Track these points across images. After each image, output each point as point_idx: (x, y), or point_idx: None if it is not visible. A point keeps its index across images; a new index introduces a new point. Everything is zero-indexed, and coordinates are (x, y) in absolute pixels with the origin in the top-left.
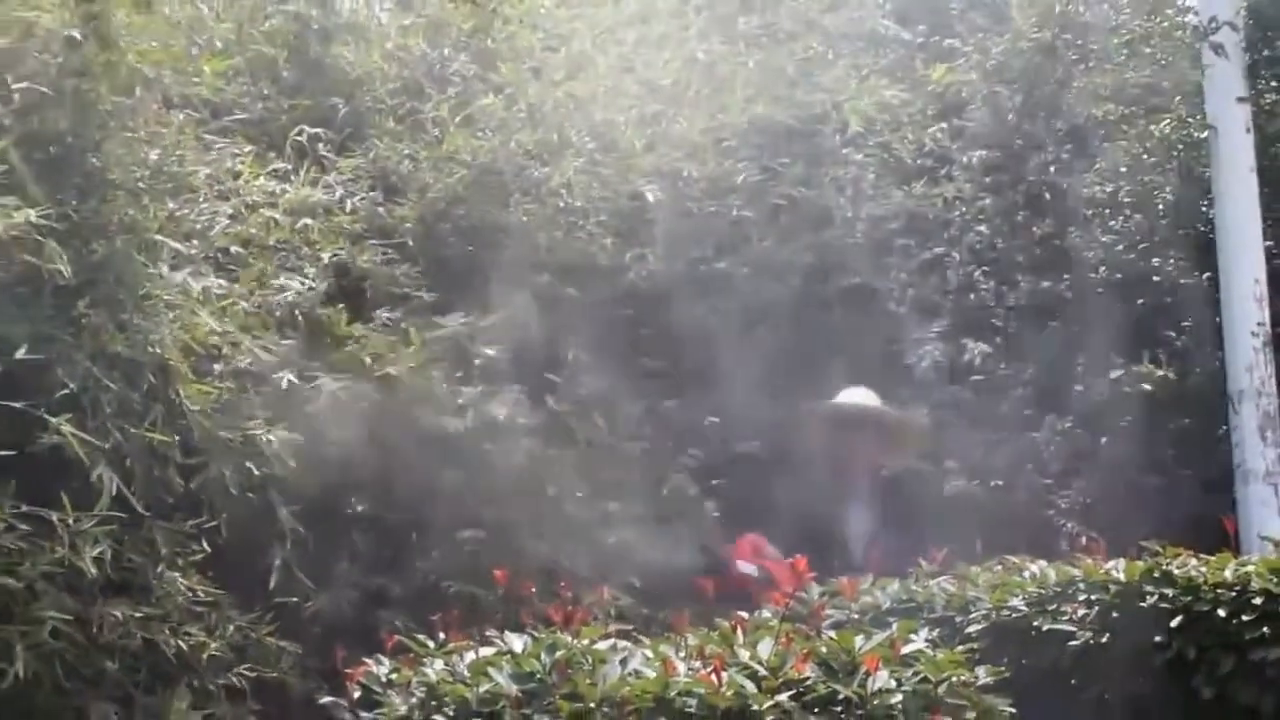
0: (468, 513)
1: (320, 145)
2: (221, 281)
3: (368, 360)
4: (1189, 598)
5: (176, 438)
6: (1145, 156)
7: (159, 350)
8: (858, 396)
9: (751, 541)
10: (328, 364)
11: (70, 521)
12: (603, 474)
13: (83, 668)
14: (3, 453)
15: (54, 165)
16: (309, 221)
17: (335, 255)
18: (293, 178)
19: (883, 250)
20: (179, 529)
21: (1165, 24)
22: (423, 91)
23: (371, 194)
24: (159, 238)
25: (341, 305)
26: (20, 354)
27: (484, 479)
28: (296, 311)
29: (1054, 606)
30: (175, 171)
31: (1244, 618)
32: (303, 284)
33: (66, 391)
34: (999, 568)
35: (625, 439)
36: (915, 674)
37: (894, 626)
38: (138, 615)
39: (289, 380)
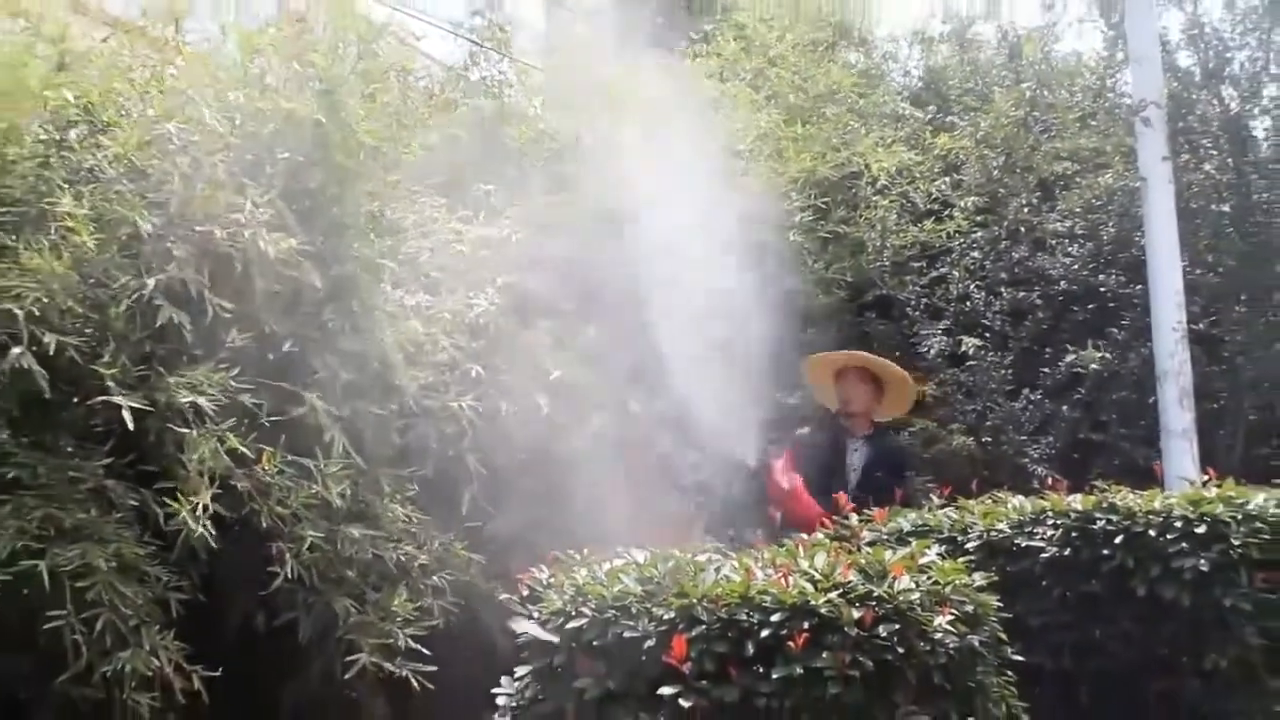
0: (604, 465)
1: (492, 197)
2: (426, 297)
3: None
4: (1128, 522)
5: (394, 408)
6: (1094, 200)
7: (381, 346)
8: (858, 355)
9: (784, 461)
10: (503, 360)
11: (322, 467)
12: (697, 426)
13: (330, 573)
14: (275, 417)
15: (307, 211)
16: (486, 253)
17: (507, 279)
18: (474, 221)
19: (902, 270)
20: (397, 473)
21: (1107, 104)
22: (561, 158)
23: (531, 233)
24: (382, 263)
25: (512, 316)
26: (286, 347)
27: (614, 444)
28: (480, 320)
29: (1030, 529)
30: (392, 217)
31: (1168, 536)
32: (484, 300)
33: (316, 375)
34: (989, 500)
35: (717, 407)
36: (929, 578)
37: (913, 544)
38: (368, 535)
39: (476, 371)
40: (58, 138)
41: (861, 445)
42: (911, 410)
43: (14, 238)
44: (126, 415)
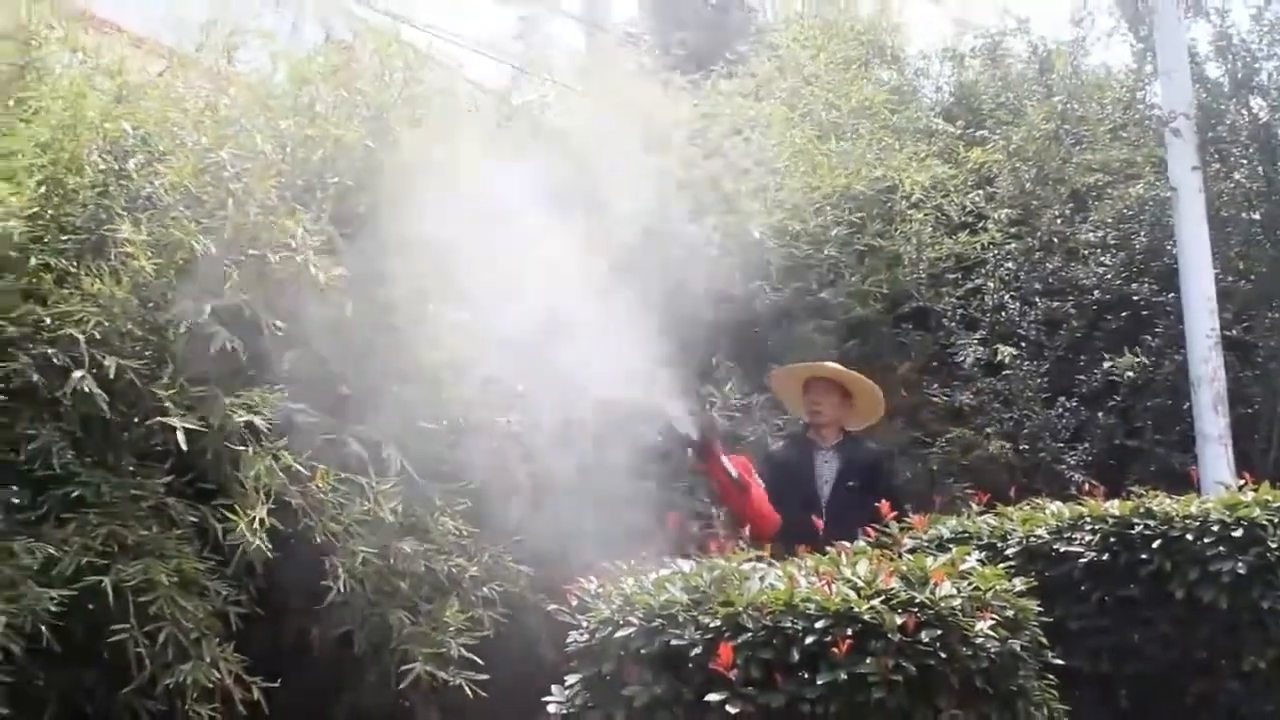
0: (644, 482)
1: (537, 218)
2: (473, 315)
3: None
4: (1165, 526)
5: (444, 423)
6: (1126, 211)
7: (430, 364)
8: (824, 365)
9: (742, 460)
10: (546, 376)
11: (374, 483)
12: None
13: (383, 586)
14: (328, 435)
15: (357, 233)
16: (533, 272)
17: (553, 298)
18: (519, 240)
19: (938, 282)
20: (447, 487)
21: (1137, 116)
22: (599, 175)
23: (575, 252)
24: (430, 283)
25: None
26: (338, 367)
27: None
28: (525, 337)
29: (1068, 534)
30: (440, 237)
31: (1205, 539)
32: (530, 318)
33: (368, 394)
34: (1027, 507)
35: (752, 416)
36: (970, 584)
37: (953, 551)
38: (420, 549)
39: (520, 387)
40: (117, 167)
41: (832, 456)
42: (951, 419)
43: (75, 264)
44: (180, 436)
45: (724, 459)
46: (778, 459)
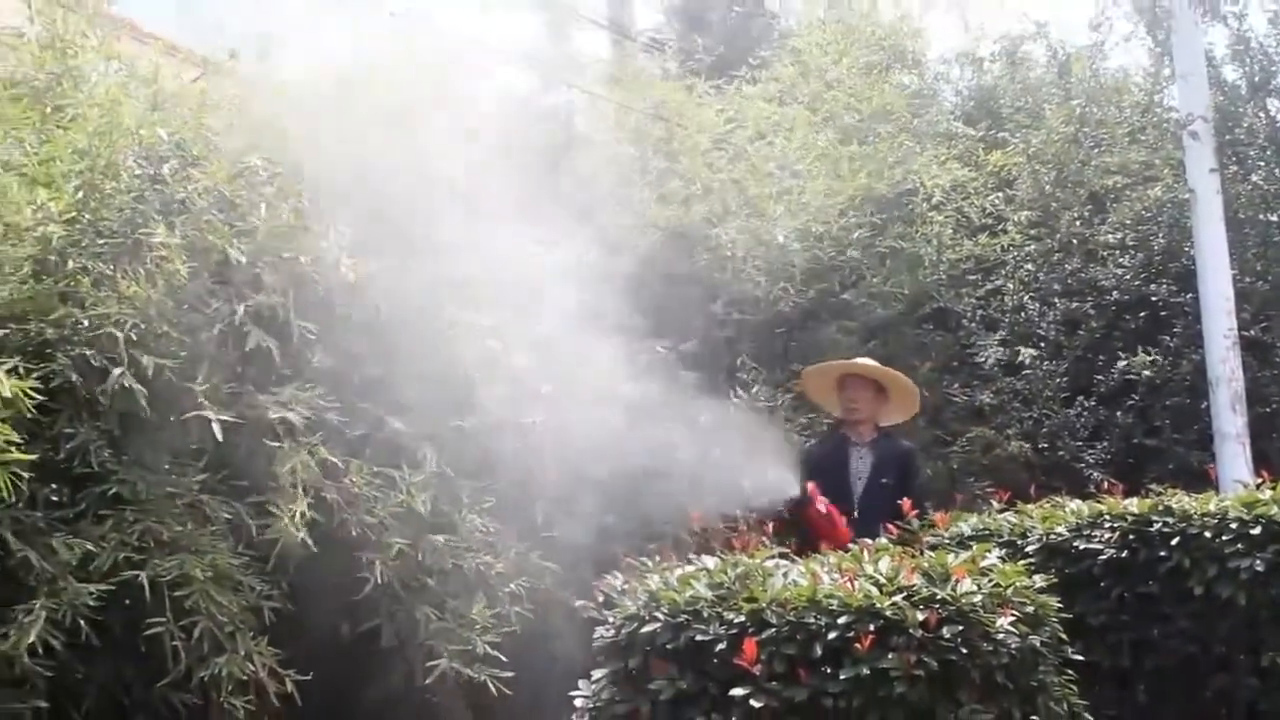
0: (667, 477)
1: (563, 220)
2: (501, 316)
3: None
4: (1184, 524)
5: (473, 421)
6: (1144, 212)
7: (459, 364)
8: (860, 362)
9: (814, 489)
10: (574, 375)
11: (407, 478)
12: (756, 444)
13: (411, 581)
14: (361, 432)
15: (387, 236)
16: (559, 273)
17: (579, 297)
18: (546, 242)
19: (958, 283)
20: (476, 484)
21: (1155, 119)
22: (630, 179)
23: (602, 253)
24: (458, 285)
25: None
26: (369, 366)
27: (679, 458)
28: (552, 337)
29: (1088, 532)
30: (469, 239)
31: (1223, 537)
32: (556, 318)
33: (398, 392)
34: (1047, 505)
35: (779, 418)
36: (990, 581)
37: (974, 548)
38: (449, 544)
39: (548, 387)
40: (152, 172)
41: (866, 452)
42: (972, 419)
43: (112, 267)
44: (216, 429)
45: (818, 502)
46: (815, 456)
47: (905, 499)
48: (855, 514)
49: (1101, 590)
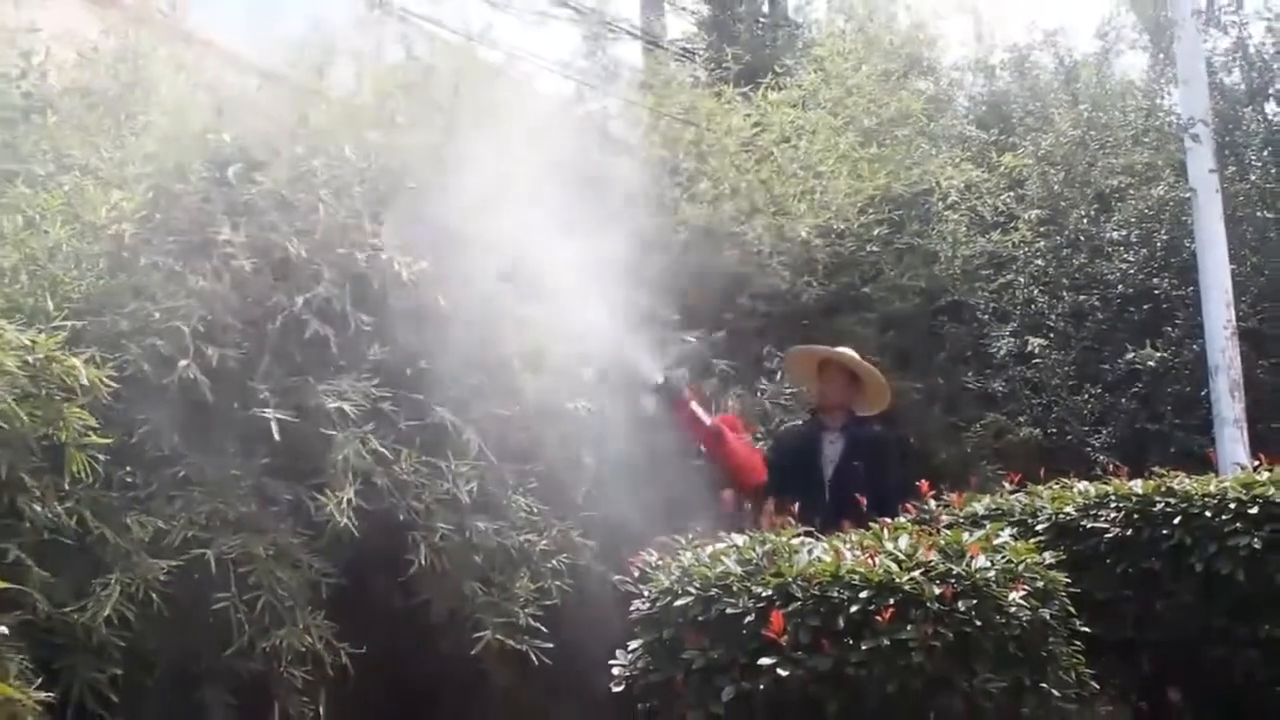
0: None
1: (601, 217)
2: (545, 308)
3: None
4: (1185, 504)
5: (518, 408)
6: (1147, 210)
7: (505, 354)
8: (837, 350)
9: (729, 418)
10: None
11: (452, 465)
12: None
13: (458, 559)
14: (411, 421)
15: (436, 233)
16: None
17: (617, 291)
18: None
19: (972, 277)
20: (519, 468)
21: (1158, 122)
22: (662, 180)
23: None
24: (502, 279)
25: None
26: (420, 358)
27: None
28: (592, 329)
29: (1095, 511)
30: (512, 235)
31: (1223, 516)
32: (596, 311)
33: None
34: (1056, 486)
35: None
36: (1003, 557)
37: (987, 526)
38: (494, 526)
39: (588, 374)
40: (217, 175)
41: (838, 437)
42: (985, 405)
43: (180, 264)
44: (274, 422)
45: (694, 405)
46: (785, 440)
47: (885, 485)
48: (826, 498)
49: (1107, 566)
